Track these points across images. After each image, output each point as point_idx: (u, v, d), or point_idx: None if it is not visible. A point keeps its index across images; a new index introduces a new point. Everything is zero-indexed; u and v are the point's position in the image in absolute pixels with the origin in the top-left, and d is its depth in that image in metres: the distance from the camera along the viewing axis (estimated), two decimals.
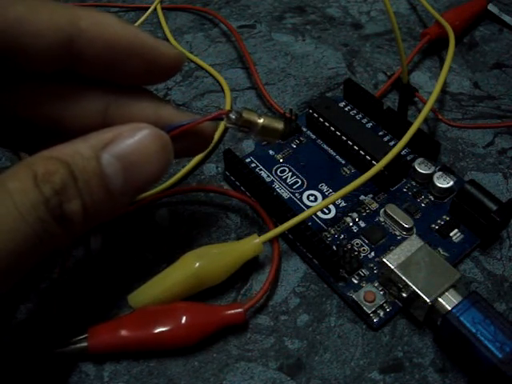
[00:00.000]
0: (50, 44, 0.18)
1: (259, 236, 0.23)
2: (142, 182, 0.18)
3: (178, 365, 0.21)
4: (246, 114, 0.21)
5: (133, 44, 0.19)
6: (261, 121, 0.21)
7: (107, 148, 0.17)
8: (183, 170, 0.27)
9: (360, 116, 0.29)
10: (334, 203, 0.25)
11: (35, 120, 0.19)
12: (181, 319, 0.21)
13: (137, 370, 0.21)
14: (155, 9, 0.37)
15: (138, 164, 0.18)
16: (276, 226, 0.24)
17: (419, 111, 0.30)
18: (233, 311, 0.21)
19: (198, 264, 0.22)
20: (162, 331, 0.20)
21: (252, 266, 0.24)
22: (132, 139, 0.18)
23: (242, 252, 0.22)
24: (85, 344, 0.20)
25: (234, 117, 0.21)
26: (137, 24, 0.34)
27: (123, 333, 0.20)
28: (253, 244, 0.22)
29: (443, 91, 0.32)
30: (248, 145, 0.29)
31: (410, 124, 0.24)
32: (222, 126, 0.30)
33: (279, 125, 0.21)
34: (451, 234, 0.24)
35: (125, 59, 0.19)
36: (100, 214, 0.18)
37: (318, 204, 0.23)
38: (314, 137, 0.28)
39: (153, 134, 0.18)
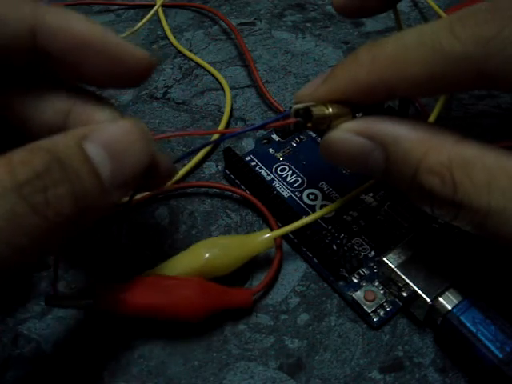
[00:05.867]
0: (14, 33, 0.17)
1: (271, 231, 0.23)
2: (129, 170, 0.18)
3: (177, 364, 0.21)
4: (316, 112, 0.19)
5: (98, 41, 0.18)
6: (330, 111, 0.19)
7: (89, 138, 0.17)
8: (183, 169, 0.27)
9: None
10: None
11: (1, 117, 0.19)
12: (192, 291, 0.21)
13: (136, 370, 0.21)
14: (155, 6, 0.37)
15: (123, 151, 0.17)
16: (276, 225, 0.24)
17: (420, 109, 0.30)
18: (242, 293, 0.22)
19: (207, 255, 0.21)
20: (172, 299, 0.20)
21: (252, 264, 0.23)
22: (113, 128, 0.17)
23: (253, 245, 0.22)
24: (90, 300, 0.20)
25: (302, 122, 0.19)
26: (140, 24, 0.34)
27: (132, 295, 0.20)
28: (264, 238, 0.22)
29: None
30: (248, 143, 0.29)
31: None
32: (222, 124, 0.30)
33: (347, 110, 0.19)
34: None
35: (90, 57, 0.18)
36: (93, 208, 0.17)
37: (335, 203, 0.23)
38: (314, 135, 0.28)
39: (132, 123, 0.18)
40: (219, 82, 0.32)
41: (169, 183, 0.26)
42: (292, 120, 0.19)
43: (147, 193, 0.26)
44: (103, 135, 0.17)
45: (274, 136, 0.28)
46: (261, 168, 0.27)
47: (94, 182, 0.16)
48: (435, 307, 0.20)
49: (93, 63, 0.19)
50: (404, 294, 0.21)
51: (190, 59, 0.34)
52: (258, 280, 0.23)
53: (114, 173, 0.17)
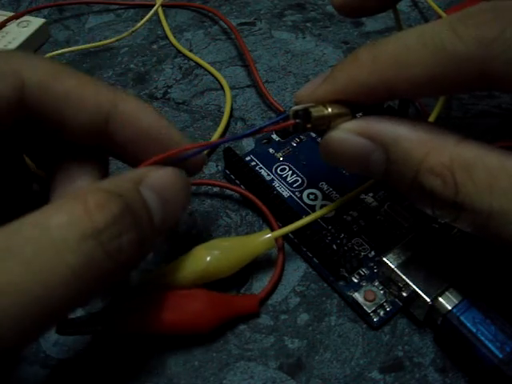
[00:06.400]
0: (90, 119, 0.18)
1: (271, 232, 0.23)
2: (174, 216, 0.18)
3: (177, 364, 0.21)
4: (315, 113, 0.19)
5: (162, 137, 0.19)
6: (329, 111, 0.19)
7: (143, 182, 0.17)
8: None
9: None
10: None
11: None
12: (201, 304, 0.21)
13: (136, 370, 0.21)
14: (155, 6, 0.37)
15: (171, 199, 0.18)
16: (277, 225, 0.24)
17: (420, 109, 0.30)
18: (247, 300, 0.22)
19: (209, 258, 0.21)
20: (183, 315, 0.20)
21: (252, 264, 0.23)
22: (161, 174, 0.18)
23: (254, 246, 0.22)
24: (105, 325, 0.20)
25: (301, 123, 0.19)
26: (140, 24, 0.34)
27: (147, 317, 0.20)
28: (265, 239, 0.22)
29: None
30: (248, 143, 0.29)
31: None
32: (222, 124, 0.30)
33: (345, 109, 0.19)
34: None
35: (149, 146, 0.19)
36: (145, 250, 0.17)
37: (335, 202, 0.23)
38: (314, 135, 0.28)
39: (175, 171, 0.19)
40: (219, 82, 0.32)
41: None
42: (291, 122, 0.19)
43: None
44: (155, 180, 0.18)
45: (274, 136, 0.28)
46: (261, 168, 0.27)
47: (150, 227, 0.17)
48: (435, 307, 0.20)
49: (150, 151, 0.19)
50: (404, 294, 0.21)
51: (190, 59, 0.34)
52: (258, 280, 0.23)
53: (163, 218, 0.18)
